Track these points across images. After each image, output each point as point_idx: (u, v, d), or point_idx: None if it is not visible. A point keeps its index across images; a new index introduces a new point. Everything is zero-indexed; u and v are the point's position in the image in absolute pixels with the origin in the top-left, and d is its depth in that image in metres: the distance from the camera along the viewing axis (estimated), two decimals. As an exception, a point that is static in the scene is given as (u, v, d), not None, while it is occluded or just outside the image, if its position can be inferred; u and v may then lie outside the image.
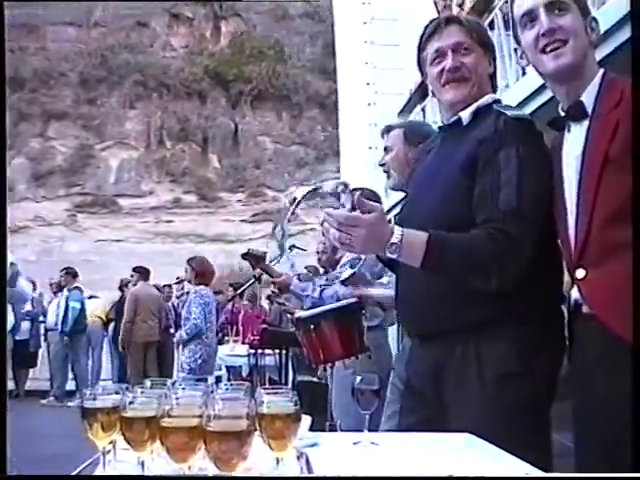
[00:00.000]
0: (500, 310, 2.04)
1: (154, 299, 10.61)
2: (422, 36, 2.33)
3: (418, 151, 3.06)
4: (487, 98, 2.26)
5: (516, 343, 2.06)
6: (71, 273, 11.49)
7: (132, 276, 10.99)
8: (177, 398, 1.56)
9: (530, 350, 2.06)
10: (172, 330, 11.43)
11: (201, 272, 7.25)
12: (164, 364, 11.58)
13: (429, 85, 2.37)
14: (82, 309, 11.24)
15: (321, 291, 4.26)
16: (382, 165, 3.24)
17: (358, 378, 2.29)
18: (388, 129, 3.31)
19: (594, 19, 2.02)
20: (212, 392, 1.66)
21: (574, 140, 1.97)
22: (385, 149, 3.25)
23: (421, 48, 2.35)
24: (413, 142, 3.14)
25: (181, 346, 7.16)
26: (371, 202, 2.04)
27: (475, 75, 2.25)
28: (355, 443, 2.01)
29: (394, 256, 2.00)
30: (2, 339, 2.70)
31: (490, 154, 2.07)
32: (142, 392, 1.65)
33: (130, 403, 1.56)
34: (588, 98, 1.95)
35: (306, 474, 1.58)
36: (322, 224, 2.06)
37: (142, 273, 10.84)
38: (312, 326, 3.43)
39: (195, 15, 20.68)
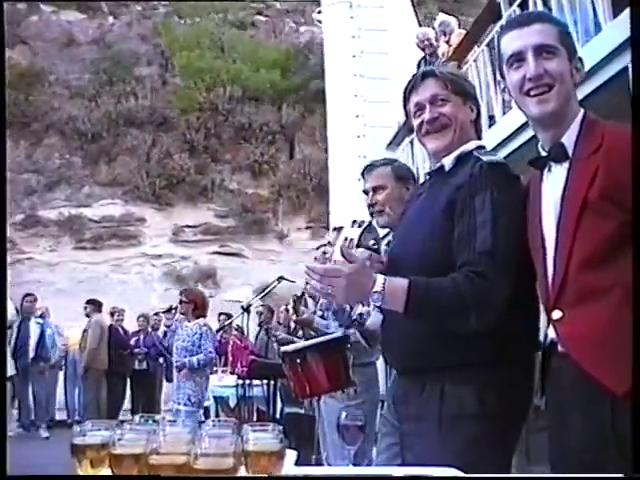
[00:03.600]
0: (467, 353, 2.11)
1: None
2: (404, 91, 2.43)
3: (410, 189, 3.14)
4: (470, 144, 2.34)
5: (479, 386, 2.12)
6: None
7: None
8: (165, 435, 1.60)
9: (493, 393, 2.12)
10: (161, 360, 11.46)
11: (201, 304, 7.30)
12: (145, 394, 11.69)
13: (415, 136, 2.49)
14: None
15: (345, 328, 4.30)
16: (372, 205, 3.21)
17: (343, 414, 2.34)
18: (371, 168, 3.31)
19: (580, 60, 2.06)
20: (200, 428, 1.71)
21: (554, 180, 2.02)
22: (373, 189, 3.23)
23: (405, 102, 2.44)
24: (403, 180, 3.20)
25: (180, 376, 7.17)
26: (354, 253, 2.18)
27: (455, 122, 2.33)
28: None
29: (377, 304, 2.10)
30: (2, 340, 2.70)
31: (466, 199, 2.15)
32: (130, 428, 1.69)
33: (119, 440, 1.60)
34: (569, 140, 2.00)
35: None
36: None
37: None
38: (298, 360, 3.44)
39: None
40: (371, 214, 3.20)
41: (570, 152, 1.99)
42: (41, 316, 11.42)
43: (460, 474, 1.87)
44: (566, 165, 1.99)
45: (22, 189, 17.31)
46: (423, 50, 8.53)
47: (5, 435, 2.51)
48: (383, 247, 2.90)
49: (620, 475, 1.68)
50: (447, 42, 8.40)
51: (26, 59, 19.78)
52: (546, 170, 2.06)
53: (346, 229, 2.56)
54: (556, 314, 1.93)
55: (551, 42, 2.00)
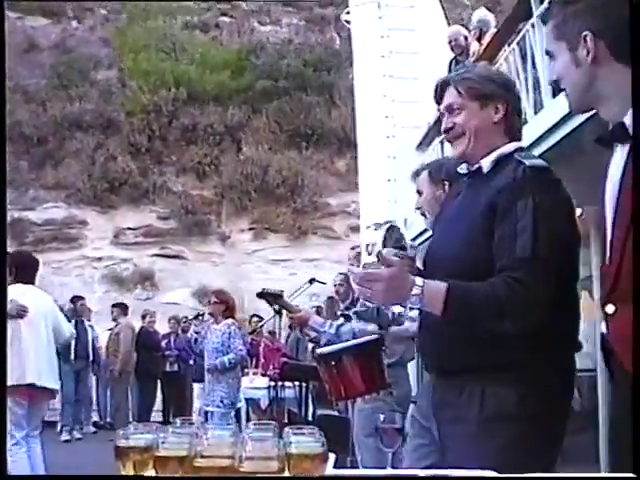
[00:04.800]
0: (508, 354, 2.11)
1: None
2: (434, 98, 2.47)
3: (444, 188, 3.14)
4: (509, 146, 2.32)
5: (519, 388, 2.12)
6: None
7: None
8: (207, 438, 1.61)
9: (534, 395, 2.11)
10: (191, 362, 11.53)
11: (232, 305, 7.46)
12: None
13: None
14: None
15: (337, 327, 4.31)
16: (418, 208, 3.31)
17: (381, 417, 2.34)
18: (416, 173, 3.39)
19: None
20: (241, 431, 1.71)
21: (616, 163, 1.97)
22: (417, 192, 3.31)
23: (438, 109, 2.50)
24: (438, 181, 3.21)
25: (212, 378, 7.24)
26: (393, 257, 2.20)
27: (469, 131, 2.33)
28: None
29: (416, 306, 2.12)
30: (2, 340, 2.72)
31: (508, 203, 2.14)
32: (173, 431, 1.70)
33: (162, 442, 1.60)
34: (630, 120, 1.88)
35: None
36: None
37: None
38: (333, 362, 3.45)
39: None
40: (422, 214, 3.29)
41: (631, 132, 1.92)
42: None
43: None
44: (627, 147, 1.93)
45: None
46: (453, 50, 8.47)
47: (5, 435, 2.54)
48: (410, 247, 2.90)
49: (632, 475, 1.65)
50: (478, 40, 8.32)
51: None
52: (614, 151, 1.99)
53: (368, 234, 2.58)
54: (609, 308, 1.88)
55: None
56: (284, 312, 6.61)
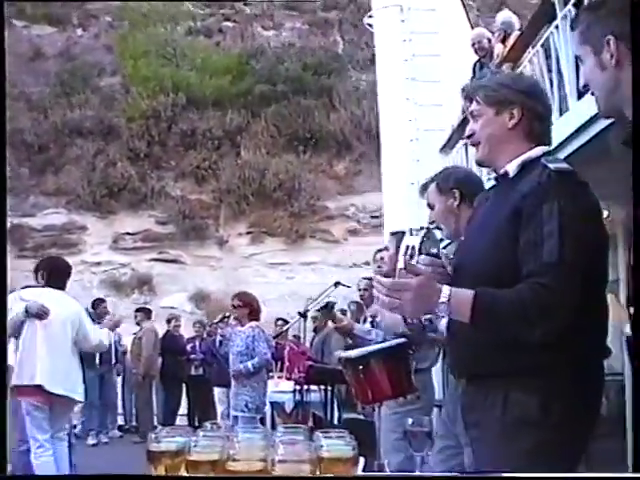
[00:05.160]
0: (532, 360, 2.09)
1: None
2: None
3: (455, 196, 3.13)
4: (536, 151, 2.31)
5: (543, 394, 2.10)
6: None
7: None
8: (239, 442, 1.62)
9: (558, 402, 2.09)
10: (215, 366, 11.55)
11: (256, 308, 7.42)
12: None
13: None
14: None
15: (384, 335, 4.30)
16: (432, 222, 3.29)
17: (410, 420, 2.33)
18: (424, 187, 3.41)
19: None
20: (271, 434, 1.71)
21: None
22: (428, 206, 3.31)
23: None
24: (447, 190, 3.19)
25: (236, 383, 7.28)
26: (421, 266, 2.22)
27: (484, 137, 2.37)
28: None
29: (444, 315, 2.12)
30: (2, 340, 2.74)
31: (533, 208, 2.13)
32: (204, 435, 1.71)
33: (194, 446, 1.61)
34: None
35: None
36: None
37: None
38: (361, 366, 3.46)
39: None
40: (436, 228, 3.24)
41: None
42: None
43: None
44: None
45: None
46: (477, 52, 8.44)
47: (5, 435, 2.55)
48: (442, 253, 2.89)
49: (629, 475, 1.64)
50: (502, 42, 8.27)
51: None
52: None
53: (407, 237, 2.57)
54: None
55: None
56: (309, 315, 6.67)
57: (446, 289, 2.09)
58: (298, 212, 17.76)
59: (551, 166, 2.18)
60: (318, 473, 1.53)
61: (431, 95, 10.50)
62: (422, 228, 4.15)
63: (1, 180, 2.86)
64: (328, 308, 5.13)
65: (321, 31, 21.61)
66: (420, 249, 3.24)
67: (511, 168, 2.31)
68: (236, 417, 7.17)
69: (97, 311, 11.07)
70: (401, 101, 10.95)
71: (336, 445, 1.63)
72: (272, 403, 9.41)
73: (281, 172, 17.88)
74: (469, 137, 2.43)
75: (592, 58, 1.94)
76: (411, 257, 3.44)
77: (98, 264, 17.95)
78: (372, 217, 17.63)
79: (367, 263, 16.78)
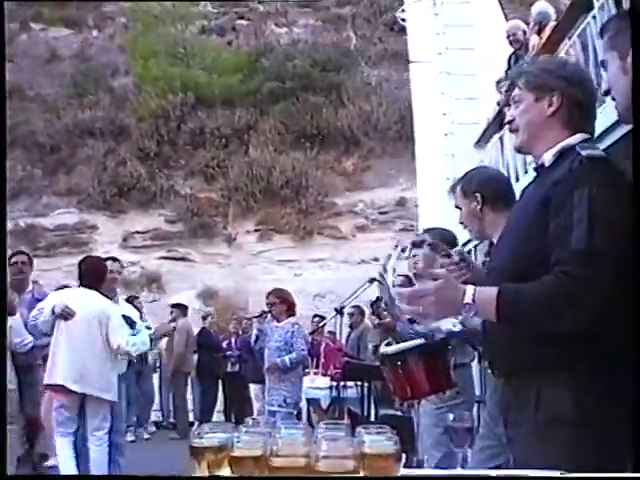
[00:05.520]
0: (562, 354, 2.04)
1: None
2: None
3: (477, 200, 3.11)
4: (574, 138, 2.24)
5: (575, 389, 2.04)
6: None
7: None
8: (281, 437, 1.61)
9: (591, 396, 2.04)
10: (251, 362, 11.60)
11: (292, 304, 7.51)
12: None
13: None
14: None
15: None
16: (461, 223, 3.30)
17: (451, 416, 2.31)
18: (452, 189, 3.39)
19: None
20: (312, 430, 1.71)
21: None
22: (456, 207, 3.29)
23: None
24: (470, 194, 3.17)
25: (273, 378, 7.32)
26: (439, 270, 2.17)
27: (522, 124, 2.31)
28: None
29: (470, 314, 2.08)
30: (2, 341, 2.76)
31: (563, 195, 2.08)
32: (246, 431, 1.71)
33: (237, 442, 1.62)
34: None
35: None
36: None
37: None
38: (399, 362, 3.44)
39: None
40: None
41: None
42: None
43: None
44: None
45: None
46: (512, 44, 8.34)
47: (5, 435, 2.57)
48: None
49: (629, 475, 1.60)
50: (538, 33, 8.17)
51: (12, 76, 20.44)
52: None
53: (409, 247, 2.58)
54: None
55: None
56: (345, 311, 6.65)
57: (470, 289, 2.06)
58: (306, 209, 17.78)
59: (583, 153, 2.12)
60: (361, 470, 1.52)
61: (466, 88, 10.41)
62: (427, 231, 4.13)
63: (1, 180, 2.90)
64: (378, 303, 5.12)
65: (334, 27, 21.59)
66: (443, 250, 3.23)
67: (547, 157, 2.26)
68: (272, 412, 7.22)
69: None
70: (435, 95, 10.88)
71: (378, 441, 1.62)
72: (308, 399, 9.45)
73: (289, 169, 17.91)
74: (509, 123, 2.40)
75: (617, 63, 1.97)
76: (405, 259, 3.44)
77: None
78: (380, 213, 17.62)
79: (376, 259, 16.82)
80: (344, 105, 18.82)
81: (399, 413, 6.53)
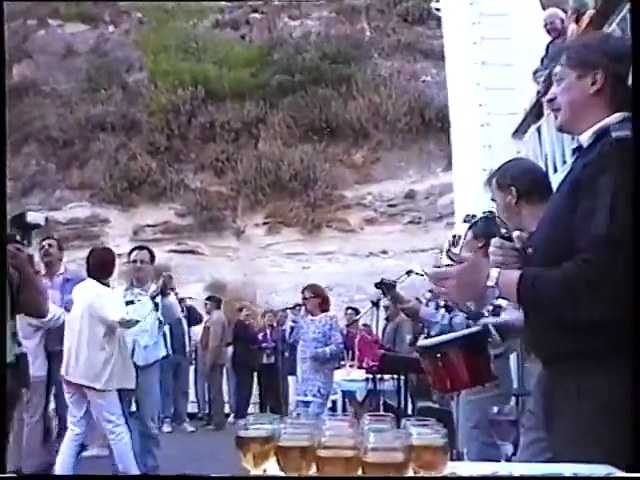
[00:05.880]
0: (593, 340, 1.99)
1: None
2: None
3: (512, 193, 3.06)
4: (612, 118, 2.16)
5: (610, 378, 1.99)
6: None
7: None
8: (327, 429, 1.61)
9: (625, 381, 1.97)
10: (287, 354, 11.65)
11: (326, 298, 7.69)
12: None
13: None
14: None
15: (451, 318, 4.26)
16: (498, 217, 3.30)
17: (495, 409, 2.29)
18: (488, 181, 3.38)
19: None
20: (358, 423, 1.70)
21: None
22: (492, 200, 3.27)
23: None
24: (505, 187, 3.13)
25: (308, 368, 7.40)
26: (465, 254, 2.16)
27: (565, 103, 2.24)
28: (493, 474, 1.97)
29: (494, 297, 2.13)
30: (2, 340, 2.81)
31: (590, 178, 2.02)
32: (291, 422, 1.71)
33: (283, 433, 1.62)
34: None
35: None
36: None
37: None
38: (438, 354, 3.42)
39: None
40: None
41: None
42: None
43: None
44: None
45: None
46: (550, 33, 8.23)
47: (5, 434, 2.59)
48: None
49: (629, 475, 1.56)
50: (576, 22, 8.05)
51: (30, 72, 20.65)
52: None
53: (457, 227, 2.57)
54: None
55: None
56: (381, 304, 6.65)
57: (494, 272, 2.07)
58: (314, 202, 17.77)
59: (613, 134, 2.05)
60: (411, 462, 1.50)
61: (502, 79, 10.27)
62: (475, 216, 4.09)
63: (1, 181, 2.94)
64: (387, 285, 5.06)
65: (348, 19, 21.47)
66: (487, 232, 3.20)
67: (583, 139, 2.20)
68: (306, 402, 7.33)
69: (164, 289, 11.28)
70: (471, 86, 10.76)
71: (426, 433, 1.61)
72: (343, 392, 9.46)
73: (297, 162, 17.90)
74: (550, 101, 2.33)
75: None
76: (454, 245, 3.42)
77: (119, 256, 18.20)
78: (389, 206, 17.53)
79: (384, 252, 16.76)
80: (354, 97, 18.76)
81: (436, 406, 6.51)
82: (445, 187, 16.73)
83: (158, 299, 6.17)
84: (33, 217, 3.82)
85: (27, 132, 19.31)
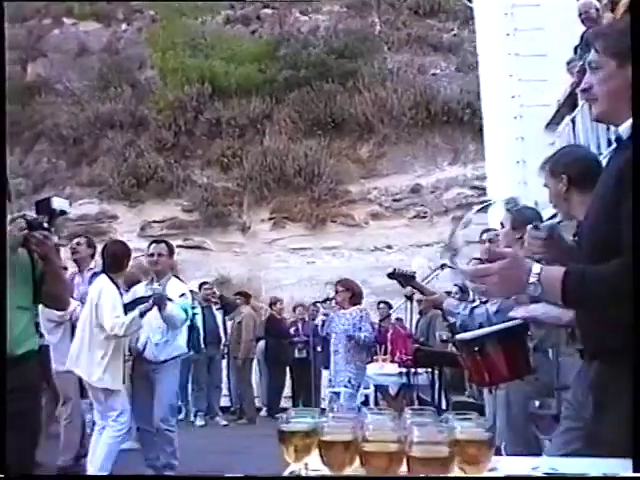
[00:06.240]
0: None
1: None
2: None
3: (563, 182, 3.00)
4: None
5: None
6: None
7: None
8: (369, 423, 1.60)
9: None
10: (319, 348, 11.66)
11: (358, 292, 7.68)
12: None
13: None
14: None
15: (471, 309, 4.20)
16: (550, 202, 3.19)
17: (536, 403, 2.26)
18: (542, 167, 3.24)
19: None
20: (400, 416, 1.68)
21: None
22: (545, 186, 3.18)
23: None
24: (557, 174, 3.06)
25: (339, 359, 7.47)
26: (505, 249, 2.11)
27: (602, 92, 2.16)
28: (534, 468, 1.95)
29: (536, 294, 1.99)
30: (2, 339, 2.77)
31: (633, 171, 1.96)
32: (333, 417, 1.70)
33: (326, 427, 1.61)
34: None
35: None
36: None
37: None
38: (476, 348, 3.39)
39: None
40: None
41: None
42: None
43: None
44: None
45: (13, 193, 18.24)
46: (584, 23, 8.10)
47: (5, 435, 2.57)
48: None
49: (629, 475, 1.52)
50: (612, 10, 7.93)
51: (44, 71, 20.82)
52: None
53: (491, 220, 2.52)
54: None
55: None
56: (414, 298, 6.62)
57: (536, 267, 1.98)
58: (319, 197, 17.66)
59: None
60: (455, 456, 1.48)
61: (535, 70, 10.16)
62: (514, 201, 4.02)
63: (1, 181, 2.92)
64: (405, 276, 4.97)
65: (359, 13, 21.31)
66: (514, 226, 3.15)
67: (622, 129, 2.13)
68: (337, 394, 7.40)
69: (203, 294, 11.37)
70: (504, 77, 10.66)
71: (470, 427, 1.59)
72: (376, 386, 9.45)
73: (302, 157, 17.82)
74: (585, 91, 2.23)
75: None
76: (490, 242, 3.36)
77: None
78: (394, 200, 17.42)
79: (389, 247, 16.69)
80: (359, 92, 18.66)
81: (471, 400, 6.47)
82: (451, 181, 16.70)
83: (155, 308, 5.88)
84: (59, 203, 3.59)
85: (39, 130, 19.60)
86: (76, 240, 6.93)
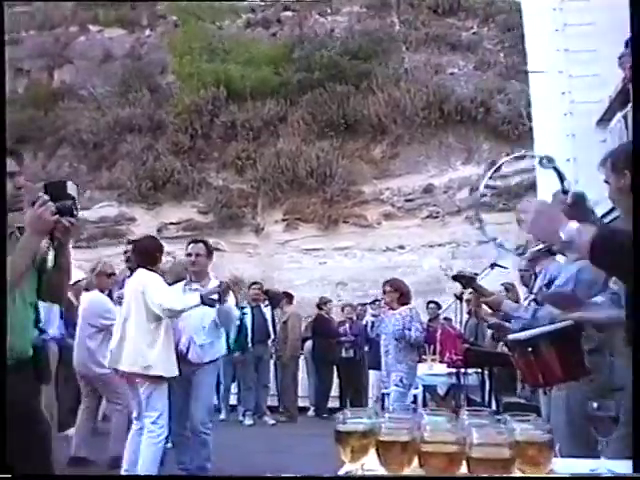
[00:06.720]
0: None
1: None
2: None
3: (625, 178, 2.93)
4: None
5: None
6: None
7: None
8: (425, 424, 1.59)
9: None
10: (367, 348, 11.65)
11: (406, 292, 7.64)
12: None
13: None
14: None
15: (534, 311, 4.15)
16: (610, 198, 3.11)
17: (595, 404, 2.22)
18: (603, 162, 3.14)
19: None
20: (457, 418, 1.67)
21: None
22: (605, 182, 3.11)
23: None
24: (620, 170, 2.98)
25: (390, 359, 7.47)
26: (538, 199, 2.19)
27: None
28: (592, 470, 1.92)
29: (566, 245, 2.08)
30: (2, 340, 2.73)
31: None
32: (389, 417, 1.69)
33: (383, 428, 1.60)
34: None
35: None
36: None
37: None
38: (530, 348, 3.35)
39: (31, 67, 20.84)
40: None
41: None
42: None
43: None
44: None
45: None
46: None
47: (5, 434, 2.51)
48: None
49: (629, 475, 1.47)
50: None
51: (70, 77, 21.07)
52: None
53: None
54: None
55: None
56: (464, 298, 6.58)
57: (573, 223, 2.06)
58: (331, 198, 17.64)
59: None
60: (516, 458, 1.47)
61: (586, 66, 9.97)
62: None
63: (1, 181, 2.89)
64: (467, 278, 5.01)
65: (378, 13, 21.14)
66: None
67: None
68: (388, 394, 7.39)
69: (252, 293, 11.45)
70: (553, 74, 10.48)
71: (529, 429, 1.57)
72: (425, 386, 9.39)
73: (314, 159, 17.81)
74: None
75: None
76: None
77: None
78: (407, 200, 17.27)
79: (401, 247, 16.55)
80: (373, 92, 18.55)
81: (522, 401, 6.38)
82: (464, 181, 16.55)
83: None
84: (72, 188, 3.13)
85: (62, 136, 19.99)
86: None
